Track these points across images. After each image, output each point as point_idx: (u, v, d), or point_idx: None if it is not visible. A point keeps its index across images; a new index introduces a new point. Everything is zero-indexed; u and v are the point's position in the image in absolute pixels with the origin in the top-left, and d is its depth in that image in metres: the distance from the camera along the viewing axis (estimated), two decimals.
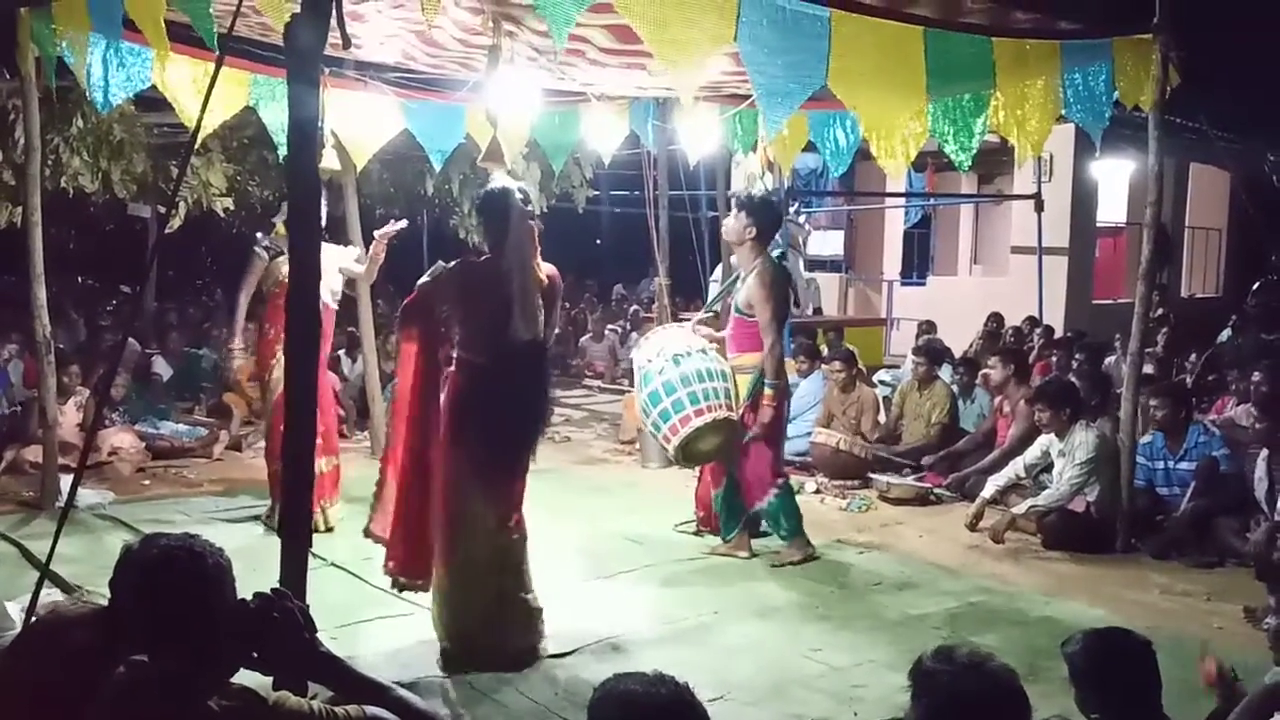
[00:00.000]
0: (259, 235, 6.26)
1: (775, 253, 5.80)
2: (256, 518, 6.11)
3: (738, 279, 5.75)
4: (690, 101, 5.15)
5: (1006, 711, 2.00)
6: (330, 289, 5.99)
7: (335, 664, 2.10)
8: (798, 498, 6.00)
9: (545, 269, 4.26)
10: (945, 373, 8.35)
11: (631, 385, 11.41)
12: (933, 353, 8.36)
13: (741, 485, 5.62)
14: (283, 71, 3.51)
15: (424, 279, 4.23)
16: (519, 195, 4.18)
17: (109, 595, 2.37)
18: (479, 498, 4.10)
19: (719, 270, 9.98)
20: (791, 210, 12.06)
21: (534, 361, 4.17)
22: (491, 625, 4.13)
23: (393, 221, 6.13)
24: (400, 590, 4.36)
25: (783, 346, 5.57)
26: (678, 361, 5.40)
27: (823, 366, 8.36)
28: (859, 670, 4.13)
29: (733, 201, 5.80)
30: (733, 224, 5.63)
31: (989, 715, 1.99)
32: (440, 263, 4.29)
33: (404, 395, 4.28)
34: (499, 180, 4.42)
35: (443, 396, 4.18)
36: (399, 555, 4.26)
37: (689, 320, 6.58)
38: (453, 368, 4.18)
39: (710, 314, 6.74)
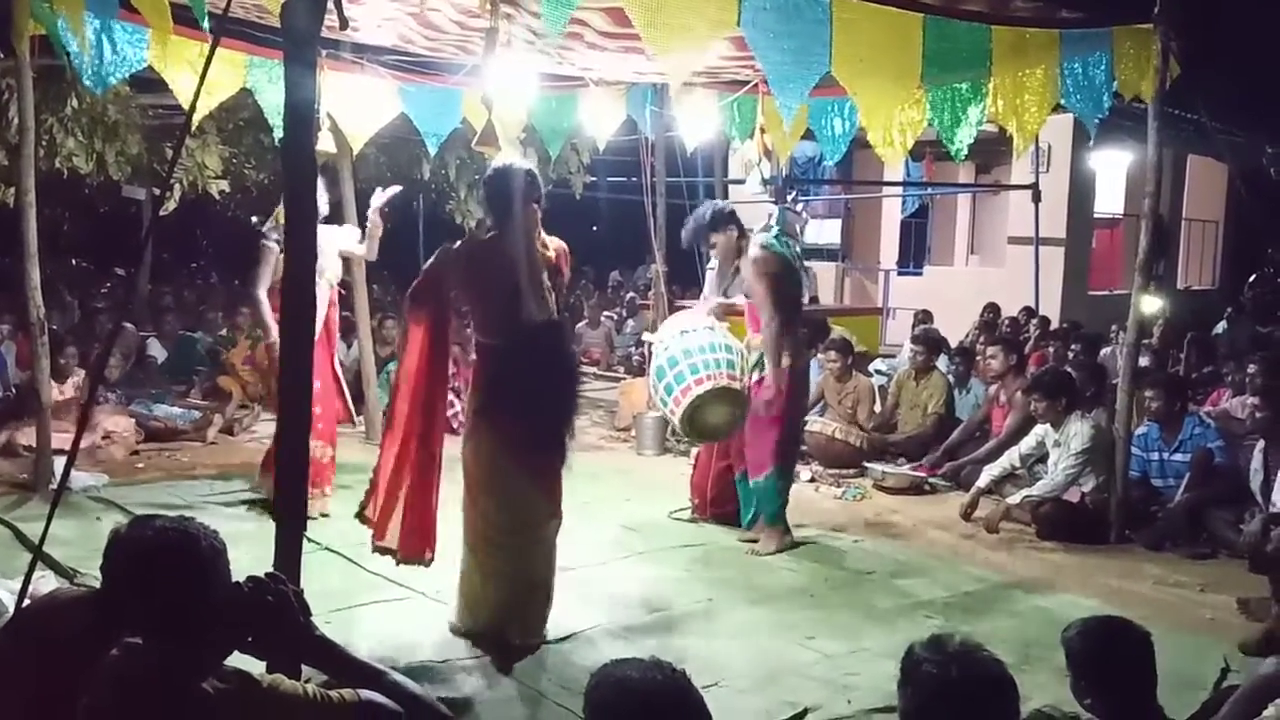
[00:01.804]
0: (260, 224, 6.24)
1: (772, 234, 5.68)
2: (250, 502, 6.10)
3: (737, 272, 5.75)
4: (679, 87, 5.10)
5: (995, 702, 2.01)
6: (332, 271, 5.98)
7: (330, 648, 2.09)
8: (793, 485, 5.98)
9: (554, 244, 4.24)
10: (941, 362, 8.35)
11: (627, 373, 11.51)
12: (931, 342, 8.35)
13: (747, 460, 5.63)
14: (279, 53, 3.49)
15: (430, 262, 4.22)
16: (524, 175, 4.15)
17: (103, 576, 2.36)
18: (521, 477, 4.11)
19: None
20: (789, 199, 12.04)
21: (552, 340, 4.18)
22: (519, 609, 4.16)
23: (379, 191, 6.08)
24: (397, 564, 4.28)
25: (782, 328, 5.40)
26: (682, 335, 5.43)
27: (818, 355, 8.35)
28: (852, 658, 4.14)
29: (707, 228, 5.66)
30: (723, 242, 5.62)
31: (977, 705, 2.00)
32: (446, 244, 4.28)
33: (408, 377, 4.23)
34: (504, 159, 4.40)
35: (470, 378, 4.26)
36: (395, 531, 4.18)
37: (671, 318, 6.53)
38: (474, 351, 4.23)
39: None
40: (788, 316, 5.46)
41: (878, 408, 8.22)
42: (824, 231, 17.21)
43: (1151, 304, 8.67)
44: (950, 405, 7.85)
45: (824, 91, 5.53)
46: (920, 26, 4.61)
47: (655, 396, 5.65)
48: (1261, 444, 5.71)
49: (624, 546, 5.58)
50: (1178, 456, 6.13)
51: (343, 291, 6.42)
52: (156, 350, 9.80)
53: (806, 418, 7.69)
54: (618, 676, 1.91)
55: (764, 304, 5.43)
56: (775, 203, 8.41)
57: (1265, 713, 2.66)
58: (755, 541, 5.64)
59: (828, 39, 4.20)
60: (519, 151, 9.19)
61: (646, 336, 6.39)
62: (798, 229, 13.51)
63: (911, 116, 6.11)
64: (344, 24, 3.46)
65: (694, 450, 6.27)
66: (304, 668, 2.20)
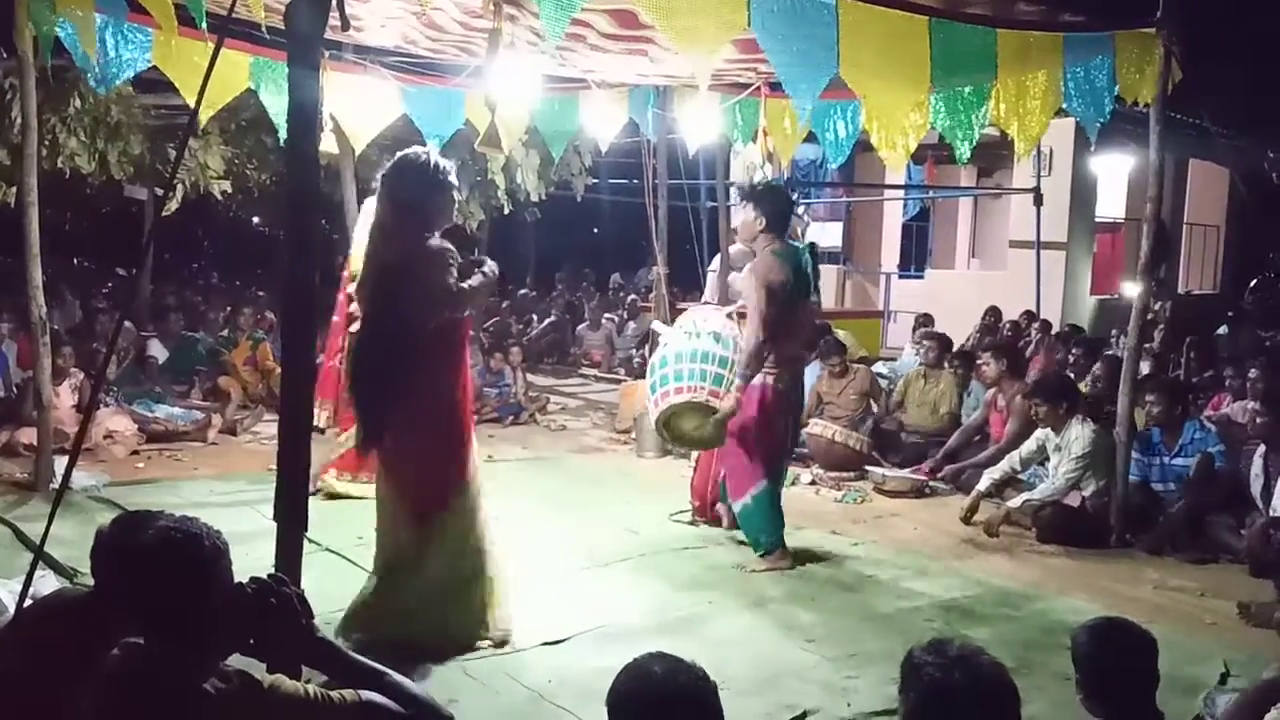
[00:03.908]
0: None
1: (801, 244, 5.60)
2: (251, 502, 6.10)
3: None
4: (706, 87, 5.06)
5: (997, 706, 2.01)
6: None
7: (331, 649, 2.10)
8: (794, 488, 5.95)
9: (421, 245, 3.98)
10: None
11: (627, 375, 11.51)
12: (941, 338, 8.36)
13: (726, 480, 5.58)
14: (283, 54, 3.49)
15: None
16: (390, 166, 4.10)
17: (95, 576, 2.36)
18: (381, 481, 4.18)
19: (717, 260, 9.96)
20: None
21: (368, 335, 4.12)
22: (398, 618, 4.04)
23: None
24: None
25: (762, 346, 5.09)
26: (686, 336, 5.40)
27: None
28: (852, 661, 4.13)
29: (737, 194, 5.62)
30: (742, 217, 5.34)
31: (980, 710, 2.00)
32: None
33: None
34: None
35: None
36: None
37: (691, 307, 6.54)
38: None
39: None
40: (772, 334, 5.10)
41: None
42: (825, 234, 17.23)
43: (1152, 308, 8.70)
44: (959, 406, 7.84)
45: (829, 94, 5.53)
46: (926, 30, 4.62)
47: (649, 382, 5.58)
48: (1262, 449, 5.71)
49: (624, 548, 5.57)
50: (1178, 461, 6.12)
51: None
52: (157, 350, 9.79)
53: (809, 420, 7.70)
54: (644, 670, 2.00)
55: (752, 315, 5.15)
56: None
57: (1268, 716, 2.65)
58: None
59: (834, 41, 4.21)
60: (521, 153, 9.20)
61: (657, 325, 6.35)
62: (799, 232, 13.57)
63: (914, 120, 6.12)
64: (346, 24, 3.46)
65: (695, 453, 6.26)
66: (304, 669, 2.20)
